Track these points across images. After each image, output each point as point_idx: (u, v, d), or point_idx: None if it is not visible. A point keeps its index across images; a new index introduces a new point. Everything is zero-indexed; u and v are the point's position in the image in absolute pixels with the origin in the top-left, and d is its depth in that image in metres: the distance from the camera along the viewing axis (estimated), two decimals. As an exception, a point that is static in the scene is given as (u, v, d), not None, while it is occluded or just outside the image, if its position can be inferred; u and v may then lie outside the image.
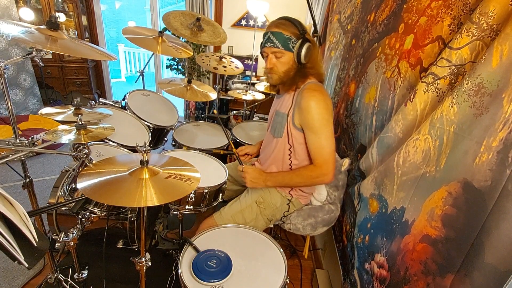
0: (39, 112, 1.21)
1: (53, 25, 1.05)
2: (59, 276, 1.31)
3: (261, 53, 1.25)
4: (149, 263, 1.04)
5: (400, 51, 1.08)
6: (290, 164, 1.32)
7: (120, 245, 1.50)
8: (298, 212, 1.38)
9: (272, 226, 1.44)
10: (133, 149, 1.50)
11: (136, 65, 6.42)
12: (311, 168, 1.21)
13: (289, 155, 1.30)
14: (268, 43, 1.17)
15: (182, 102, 3.65)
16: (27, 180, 1.17)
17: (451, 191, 0.71)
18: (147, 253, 1.04)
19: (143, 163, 0.90)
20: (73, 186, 1.21)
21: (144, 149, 0.89)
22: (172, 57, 3.72)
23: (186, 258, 1.02)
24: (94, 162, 1.06)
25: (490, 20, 0.69)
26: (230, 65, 2.37)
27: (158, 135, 1.84)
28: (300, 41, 1.15)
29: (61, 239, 1.12)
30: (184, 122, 2.08)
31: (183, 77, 3.32)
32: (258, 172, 1.29)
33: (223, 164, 1.51)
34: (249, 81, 3.45)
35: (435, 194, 0.77)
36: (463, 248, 0.65)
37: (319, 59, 1.28)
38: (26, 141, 1.03)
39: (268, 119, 1.45)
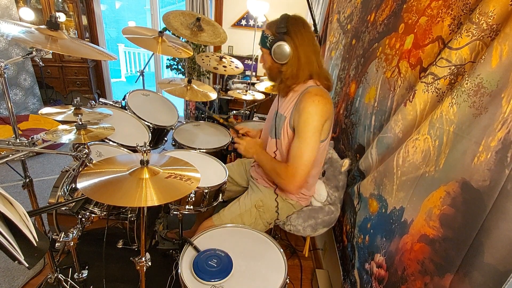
0: (39, 112, 1.21)
1: (53, 25, 1.05)
2: (59, 276, 1.31)
3: None
4: (149, 263, 1.04)
5: (400, 51, 1.08)
6: None
7: (120, 245, 1.50)
8: (299, 214, 1.38)
9: (272, 226, 1.44)
10: (133, 149, 1.50)
11: (136, 65, 6.42)
12: (284, 168, 1.20)
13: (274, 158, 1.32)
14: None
15: (182, 102, 3.65)
16: (27, 180, 1.17)
17: (449, 191, 0.71)
18: (147, 253, 1.05)
19: (143, 163, 0.90)
20: (73, 186, 1.21)
21: (144, 149, 0.89)
22: (172, 57, 3.72)
23: (186, 258, 1.02)
24: (94, 162, 1.06)
25: (490, 20, 0.69)
26: (230, 65, 2.37)
27: (158, 135, 1.84)
28: (276, 39, 1.15)
29: (61, 239, 1.12)
30: (184, 122, 2.08)
31: (183, 77, 3.32)
32: (254, 143, 1.34)
33: (223, 164, 1.51)
34: (249, 81, 3.45)
35: (433, 194, 0.77)
36: (462, 248, 0.65)
37: (310, 60, 1.18)
38: (26, 141, 1.03)
39: (267, 117, 1.44)
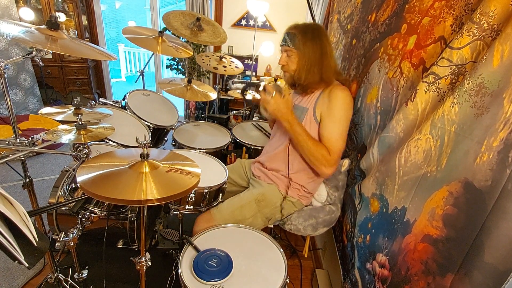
0: (39, 112, 1.21)
1: (53, 25, 1.05)
2: (59, 276, 1.31)
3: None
4: (149, 263, 1.04)
5: (403, 52, 1.08)
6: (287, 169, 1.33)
7: (120, 245, 1.50)
8: (299, 213, 1.38)
9: (272, 226, 1.43)
10: (133, 149, 1.50)
11: (136, 65, 6.42)
12: (323, 149, 1.18)
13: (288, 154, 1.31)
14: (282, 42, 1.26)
15: (182, 102, 3.65)
16: (27, 180, 1.17)
17: (452, 191, 0.71)
18: (147, 253, 1.04)
19: (143, 157, 0.89)
20: (73, 186, 1.21)
21: (145, 142, 0.89)
22: (172, 57, 3.72)
23: (186, 258, 1.02)
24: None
25: (491, 20, 0.69)
26: (230, 65, 2.37)
27: (158, 135, 1.84)
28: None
29: (61, 239, 1.12)
30: (184, 122, 2.08)
31: (183, 77, 3.32)
32: (287, 102, 1.20)
33: (223, 164, 1.51)
34: (249, 81, 3.45)
35: (436, 194, 0.77)
36: (463, 248, 0.65)
37: (334, 60, 1.31)
38: (26, 141, 1.03)
39: None
